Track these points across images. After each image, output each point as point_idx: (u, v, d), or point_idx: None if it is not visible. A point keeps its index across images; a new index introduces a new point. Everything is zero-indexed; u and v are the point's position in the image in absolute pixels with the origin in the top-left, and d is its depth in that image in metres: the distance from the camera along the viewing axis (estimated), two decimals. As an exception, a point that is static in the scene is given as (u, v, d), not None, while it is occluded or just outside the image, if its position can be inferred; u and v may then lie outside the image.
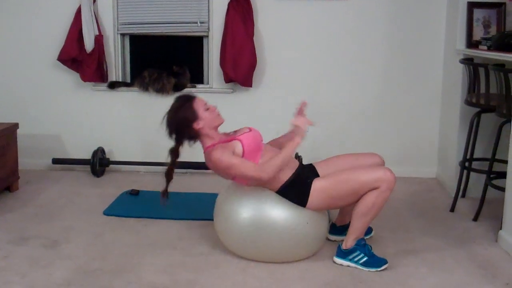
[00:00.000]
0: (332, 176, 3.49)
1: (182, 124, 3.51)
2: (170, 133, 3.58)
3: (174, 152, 3.62)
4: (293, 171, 3.50)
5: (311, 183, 3.44)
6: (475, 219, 4.25)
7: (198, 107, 3.50)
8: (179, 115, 3.52)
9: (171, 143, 5.10)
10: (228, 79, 5.19)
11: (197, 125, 3.48)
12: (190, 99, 3.55)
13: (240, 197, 3.52)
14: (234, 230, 3.50)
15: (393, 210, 4.48)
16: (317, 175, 3.58)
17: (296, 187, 3.45)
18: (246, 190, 3.52)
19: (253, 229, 3.42)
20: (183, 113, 3.50)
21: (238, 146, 3.44)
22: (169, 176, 3.67)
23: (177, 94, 5.24)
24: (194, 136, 3.54)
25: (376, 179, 3.37)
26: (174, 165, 3.65)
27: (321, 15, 5.25)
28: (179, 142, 3.59)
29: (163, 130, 3.61)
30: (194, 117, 3.48)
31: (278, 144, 3.69)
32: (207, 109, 3.52)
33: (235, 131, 3.64)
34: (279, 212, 3.42)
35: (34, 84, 5.43)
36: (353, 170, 3.52)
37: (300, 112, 3.61)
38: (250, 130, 3.60)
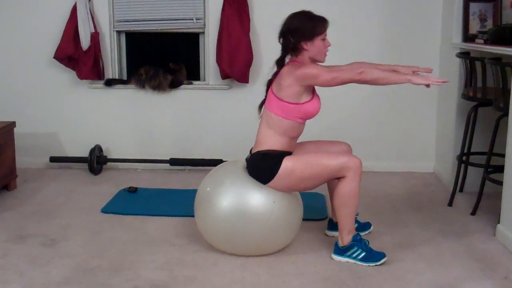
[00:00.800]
0: (300, 157, 3.48)
1: (296, 31, 3.48)
2: (283, 34, 3.54)
3: (279, 63, 3.58)
4: (282, 149, 3.48)
5: (282, 159, 3.41)
6: (473, 213, 4.26)
7: (320, 31, 3.49)
8: (302, 23, 3.50)
9: (166, 142, 5.12)
10: (224, 75, 5.18)
11: (305, 45, 3.47)
12: (322, 20, 3.54)
13: (216, 188, 3.52)
14: (212, 225, 3.50)
15: (391, 205, 4.49)
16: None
17: (267, 161, 3.43)
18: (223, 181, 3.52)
19: (229, 216, 3.41)
20: (307, 24, 3.47)
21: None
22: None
23: (174, 91, 5.31)
24: (297, 50, 3.49)
25: (341, 165, 3.37)
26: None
27: (316, 10, 5.22)
28: (284, 52, 3.57)
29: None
30: (310, 36, 3.46)
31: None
32: (323, 39, 3.51)
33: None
34: (248, 197, 3.42)
35: (31, 82, 5.42)
36: (318, 154, 3.52)
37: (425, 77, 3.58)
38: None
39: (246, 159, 3.57)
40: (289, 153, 3.52)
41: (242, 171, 3.54)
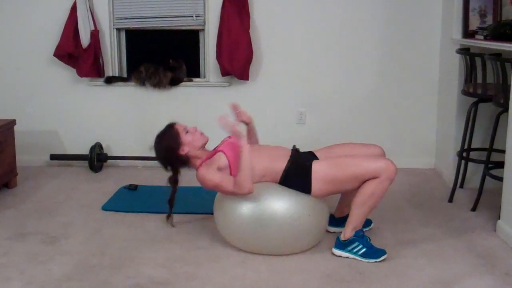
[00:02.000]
0: (332, 159, 3.51)
1: (169, 154, 3.63)
2: (164, 167, 3.70)
3: (174, 181, 3.75)
4: (287, 158, 3.52)
5: (310, 166, 3.45)
6: (474, 209, 4.26)
7: (178, 133, 3.59)
8: (163, 147, 3.63)
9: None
10: (224, 72, 5.18)
11: (183, 151, 3.58)
12: (169, 129, 3.65)
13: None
14: (235, 224, 3.50)
15: (392, 201, 4.48)
16: (316, 159, 3.59)
17: (297, 173, 3.46)
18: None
19: (253, 222, 3.42)
20: (166, 144, 3.61)
21: (222, 158, 3.52)
22: (171, 202, 3.83)
23: (174, 88, 5.31)
24: (185, 161, 3.63)
25: (378, 167, 3.38)
26: (175, 192, 3.79)
27: (316, 7, 5.24)
28: (174, 171, 3.71)
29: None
30: (177, 144, 3.58)
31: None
32: (187, 132, 3.60)
33: (221, 142, 3.73)
34: (280, 204, 3.42)
35: (31, 80, 5.42)
36: (355, 156, 3.54)
37: (238, 114, 3.70)
38: (230, 138, 3.66)
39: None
40: (310, 157, 3.57)
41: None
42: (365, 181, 3.40)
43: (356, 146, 3.77)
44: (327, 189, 3.47)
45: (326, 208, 3.63)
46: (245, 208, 3.44)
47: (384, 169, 3.37)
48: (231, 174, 3.48)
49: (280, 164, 3.50)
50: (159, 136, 3.67)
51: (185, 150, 3.57)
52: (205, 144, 3.65)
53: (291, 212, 3.41)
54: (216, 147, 3.70)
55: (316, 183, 3.43)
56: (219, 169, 3.49)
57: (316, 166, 3.45)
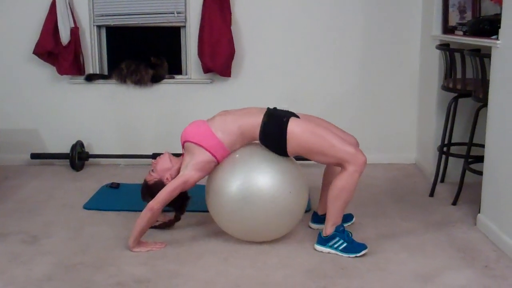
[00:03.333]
0: (310, 124, 3.48)
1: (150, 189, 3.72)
2: (175, 202, 3.66)
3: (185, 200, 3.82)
4: (262, 114, 3.51)
5: (287, 122, 3.43)
6: (454, 203, 4.30)
7: (151, 177, 3.73)
8: (153, 192, 3.63)
9: (148, 136, 5.14)
10: (206, 69, 5.17)
11: (167, 180, 3.64)
12: (144, 184, 3.78)
13: (227, 170, 3.52)
14: (222, 205, 3.51)
15: (373, 196, 4.51)
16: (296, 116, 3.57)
17: (274, 127, 3.45)
18: (234, 161, 3.53)
19: (239, 199, 3.43)
20: (154, 191, 3.61)
21: (188, 146, 3.59)
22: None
23: (156, 85, 5.30)
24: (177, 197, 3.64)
25: (347, 152, 3.38)
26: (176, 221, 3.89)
27: (298, 3, 5.25)
28: (178, 211, 3.82)
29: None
30: (160, 182, 3.66)
31: None
32: (152, 170, 3.74)
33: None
34: (263, 180, 3.44)
35: (11, 78, 5.36)
36: (332, 133, 3.48)
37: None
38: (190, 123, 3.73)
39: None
40: (289, 115, 3.54)
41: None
42: (331, 163, 3.47)
43: (335, 127, 3.72)
44: (298, 152, 3.47)
45: (306, 187, 3.64)
46: (234, 186, 3.45)
47: (352, 157, 3.37)
48: (204, 146, 3.52)
49: (255, 118, 3.48)
50: (146, 194, 3.73)
51: (168, 178, 3.65)
52: (169, 157, 3.73)
53: (274, 189, 3.44)
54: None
55: (290, 142, 3.41)
56: (193, 153, 3.55)
57: (292, 124, 3.42)
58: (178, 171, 3.62)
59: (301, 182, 3.59)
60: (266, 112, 3.55)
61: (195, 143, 3.53)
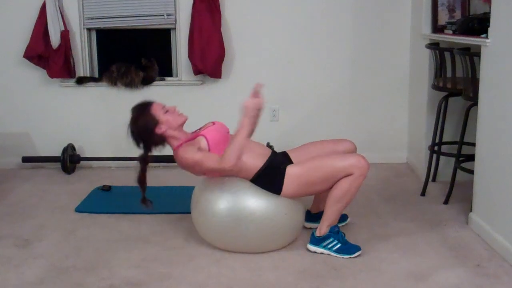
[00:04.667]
0: (305, 162, 3.51)
1: (144, 132, 3.52)
2: (137, 143, 3.59)
3: (144, 160, 3.62)
4: (266, 158, 3.51)
5: (284, 170, 3.45)
6: (446, 202, 4.31)
7: (156, 111, 3.51)
8: (140, 124, 3.53)
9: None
10: (196, 71, 5.17)
11: (160, 130, 3.50)
12: (147, 106, 3.56)
13: (217, 188, 3.50)
14: (212, 222, 3.49)
15: (365, 196, 4.51)
16: (290, 162, 3.60)
17: (270, 175, 3.46)
18: (223, 182, 3.50)
19: (230, 220, 3.42)
20: (143, 121, 3.51)
21: (203, 142, 3.46)
22: (142, 183, 3.65)
23: (146, 87, 5.29)
24: (160, 140, 3.56)
25: (350, 165, 3.40)
26: (145, 171, 3.63)
27: (287, 4, 5.25)
28: (147, 150, 3.60)
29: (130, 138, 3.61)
30: (155, 122, 3.49)
31: None
32: (166, 111, 3.53)
33: (200, 128, 3.66)
34: (256, 203, 3.42)
35: (1, 82, 5.34)
36: (326, 156, 3.54)
37: (254, 94, 3.51)
38: (214, 123, 3.64)
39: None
40: (283, 158, 3.58)
41: None
42: (338, 180, 3.43)
43: (327, 143, 3.78)
44: (298, 192, 3.47)
45: (302, 207, 3.65)
46: (222, 205, 3.43)
47: (356, 166, 3.39)
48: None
49: (258, 162, 3.48)
50: (136, 111, 3.57)
51: (162, 128, 3.49)
52: (183, 123, 3.56)
53: (268, 211, 3.42)
54: (197, 130, 3.64)
55: (288, 186, 3.43)
56: (199, 150, 3.44)
57: (290, 170, 3.45)
58: (172, 138, 3.52)
59: (296, 201, 3.58)
60: (268, 157, 3.54)
61: (209, 149, 3.46)
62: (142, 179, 3.63)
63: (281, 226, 3.48)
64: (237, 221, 3.41)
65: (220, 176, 3.49)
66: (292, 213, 3.52)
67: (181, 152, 3.46)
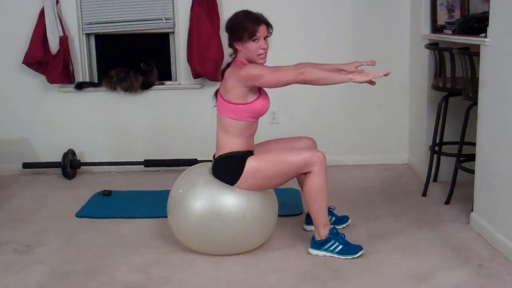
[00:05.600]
0: (263, 156, 3.50)
1: (229, 31, 3.49)
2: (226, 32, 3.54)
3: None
4: (242, 149, 3.49)
5: (245, 161, 3.43)
6: (447, 202, 4.29)
7: (251, 33, 3.41)
8: (234, 23, 3.49)
9: (140, 143, 5.10)
10: (196, 74, 5.16)
11: (238, 46, 3.46)
12: (254, 22, 3.46)
13: (189, 190, 3.51)
14: (186, 223, 3.48)
15: (365, 197, 4.51)
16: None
17: (228, 165, 3.45)
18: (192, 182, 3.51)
19: (203, 217, 3.41)
20: (238, 25, 3.44)
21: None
22: None
23: (146, 92, 5.28)
24: (233, 50, 3.52)
25: (304, 160, 3.39)
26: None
27: (286, 5, 5.25)
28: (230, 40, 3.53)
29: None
30: (239, 37, 3.42)
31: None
32: (256, 41, 3.43)
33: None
34: (223, 195, 3.43)
35: (0, 88, 5.34)
36: (282, 151, 3.54)
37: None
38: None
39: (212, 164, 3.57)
40: (251, 153, 3.54)
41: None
42: (301, 176, 3.46)
43: (287, 140, 3.79)
44: (253, 184, 3.44)
45: (270, 192, 3.61)
46: (197, 205, 3.43)
47: (311, 161, 3.38)
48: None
49: (237, 145, 3.48)
50: (244, 14, 3.52)
51: (240, 47, 3.44)
52: (256, 62, 3.47)
53: (233, 202, 3.41)
54: None
55: (244, 179, 3.41)
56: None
57: (249, 162, 3.43)
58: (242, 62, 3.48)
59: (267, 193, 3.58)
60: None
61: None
62: None
63: (250, 216, 3.44)
64: (209, 218, 3.40)
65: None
66: (254, 199, 3.45)
67: (248, 66, 3.42)
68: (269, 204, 3.57)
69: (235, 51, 3.50)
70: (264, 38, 3.49)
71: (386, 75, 3.41)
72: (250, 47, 3.44)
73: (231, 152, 3.46)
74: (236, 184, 3.43)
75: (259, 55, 3.47)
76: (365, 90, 5.32)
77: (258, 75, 3.38)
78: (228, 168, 3.45)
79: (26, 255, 3.64)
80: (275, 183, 3.50)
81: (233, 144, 3.47)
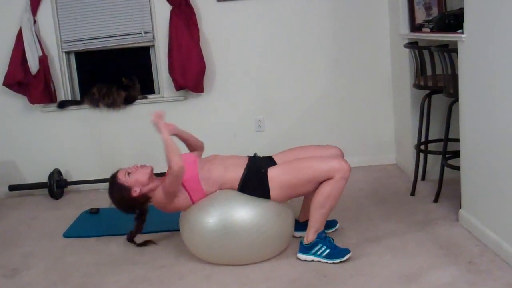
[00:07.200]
0: (285, 164, 3.54)
1: (125, 202, 3.62)
2: (128, 213, 3.70)
3: (139, 223, 3.79)
4: (244, 166, 3.54)
5: (266, 173, 3.46)
6: (436, 200, 4.28)
7: (122, 179, 3.59)
8: (117, 198, 3.63)
9: (126, 158, 5.10)
10: (178, 86, 5.14)
11: (135, 193, 3.57)
12: (113, 179, 3.63)
13: (205, 202, 3.49)
14: (201, 237, 3.46)
15: (354, 199, 4.49)
16: (274, 165, 3.60)
17: (254, 180, 3.47)
18: (212, 196, 3.52)
19: (220, 233, 3.39)
20: (118, 194, 3.61)
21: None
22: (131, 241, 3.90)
23: (129, 106, 5.26)
24: (144, 200, 3.63)
25: (330, 168, 3.40)
26: (140, 230, 3.83)
27: (265, 13, 5.24)
28: (142, 212, 3.71)
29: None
30: (127, 189, 3.57)
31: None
32: (129, 173, 3.59)
33: None
34: (245, 212, 3.41)
35: (-18, 111, 5.32)
36: (307, 159, 3.55)
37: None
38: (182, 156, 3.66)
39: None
40: (267, 165, 3.55)
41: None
42: (321, 182, 3.40)
43: (313, 148, 3.79)
44: (285, 194, 3.48)
45: (291, 214, 3.63)
46: (211, 219, 3.41)
47: (336, 169, 3.38)
48: (186, 187, 3.49)
49: (237, 172, 3.51)
50: (109, 190, 3.66)
51: (136, 191, 3.57)
52: (151, 173, 3.63)
53: (257, 219, 3.41)
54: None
55: (274, 189, 3.44)
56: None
57: (271, 173, 3.46)
58: (150, 191, 3.59)
59: (286, 208, 3.58)
60: (247, 164, 3.57)
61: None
62: (133, 236, 3.84)
63: (271, 234, 3.45)
64: (227, 233, 3.39)
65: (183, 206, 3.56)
66: (282, 220, 3.50)
67: (157, 196, 3.56)
68: (288, 217, 3.60)
69: (146, 197, 3.64)
70: (126, 172, 3.64)
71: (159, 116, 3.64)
72: (135, 180, 3.59)
73: (242, 176, 3.50)
74: (271, 197, 3.46)
75: (143, 169, 3.64)
76: (350, 93, 5.34)
77: (166, 194, 3.52)
78: (254, 187, 3.48)
79: (13, 280, 3.59)
80: (306, 190, 3.51)
81: (231, 175, 3.54)
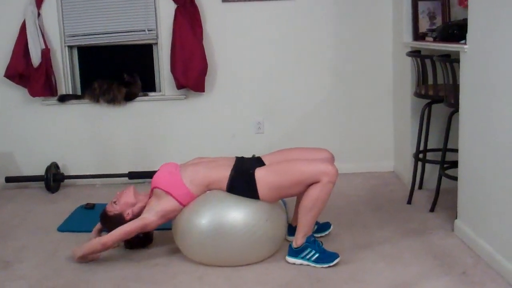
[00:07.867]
0: (272, 165, 3.54)
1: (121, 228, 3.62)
2: (135, 237, 3.68)
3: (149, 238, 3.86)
4: (231, 167, 3.55)
5: (253, 174, 3.46)
6: (432, 210, 4.27)
7: (112, 209, 3.67)
8: (114, 228, 3.60)
9: (124, 155, 5.11)
10: (179, 85, 5.13)
11: (128, 216, 3.62)
12: (104, 214, 3.71)
13: (197, 203, 3.49)
14: (194, 238, 3.46)
15: (350, 205, 4.48)
16: (262, 165, 3.60)
17: (241, 181, 3.47)
18: (203, 197, 3.52)
19: (213, 234, 3.39)
20: (113, 223, 3.62)
21: (157, 192, 3.57)
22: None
23: (129, 103, 5.26)
24: (122, 218, 3.66)
25: (317, 171, 3.39)
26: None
27: (268, 15, 5.24)
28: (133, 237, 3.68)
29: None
30: (120, 216, 3.63)
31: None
32: (115, 201, 3.67)
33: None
34: (237, 213, 3.41)
35: (-18, 102, 5.32)
36: (295, 161, 3.55)
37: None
38: (161, 167, 3.72)
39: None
40: (255, 166, 3.55)
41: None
42: (309, 186, 3.41)
43: (303, 150, 3.80)
44: (274, 195, 3.48)
45: (283, 214, 3.63)
46: (203, 219, 3.41)
47: (324, 172, 3.38)
48: (172, 194, 3.52)
49: (223, 172, 3.52)
50: (107, 227, 3.69)
51: (129, 213, 3.62)
52: (134, 191, 3.69)
53: (249, 219, 3.40)
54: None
55: (262, 189, 3.44)
56: (160, 199, 3.55)
57: (258, 174, 3.46)
58: (142, 209, 3.62)
59: (277, 208, 3.57)
60: (234, 165, 3.59)
61: (165, 191, 3.54)
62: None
63: (263, 233, 3.44)
64: (219, 234, 3.38)
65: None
66: (273, 220, 3.49)
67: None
68: (281, 217, 3.60)
69: (123, 216, 3.67)
70: (113, 201, 3.73)
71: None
72: (122, 205, 3.68)
73: (230, 176, 3.51)
74: (260, 198, 3.46)
75: (125, 192, 3.73)
76: (350, 99, 5.33)
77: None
78: (243, 188, 3.48)
79: (5, 272, 3.58)
80: (295, 192, 3.50)
81: (217, 175, 3.56)
